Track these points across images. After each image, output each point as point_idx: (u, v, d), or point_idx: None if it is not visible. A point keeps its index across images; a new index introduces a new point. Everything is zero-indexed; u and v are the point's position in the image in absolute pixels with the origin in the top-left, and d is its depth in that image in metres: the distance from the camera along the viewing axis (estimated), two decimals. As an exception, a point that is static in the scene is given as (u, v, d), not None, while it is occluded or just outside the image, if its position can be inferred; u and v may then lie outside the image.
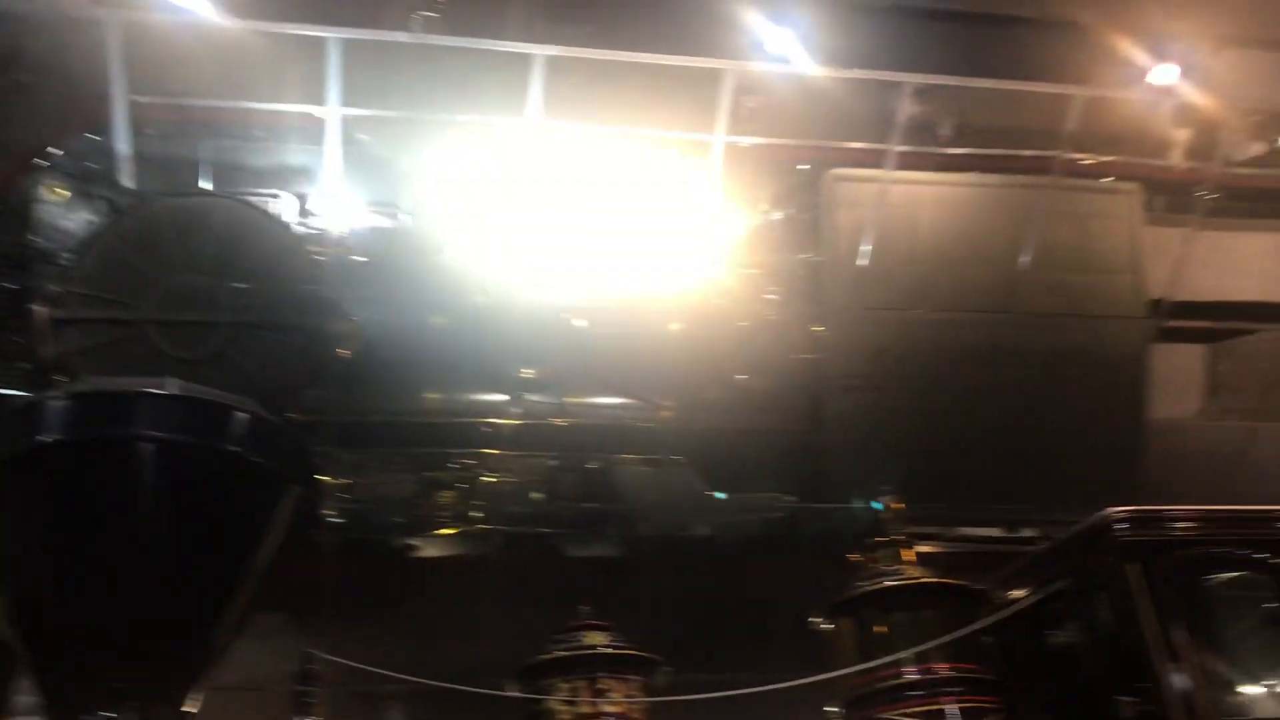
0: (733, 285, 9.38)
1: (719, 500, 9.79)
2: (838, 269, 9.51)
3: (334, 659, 6.36)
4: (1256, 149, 10.35)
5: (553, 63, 8.02)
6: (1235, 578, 6.70)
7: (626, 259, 8.87)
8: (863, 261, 9.32)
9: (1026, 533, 10.28)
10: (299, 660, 6.25)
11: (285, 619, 8.62)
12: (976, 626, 6.43)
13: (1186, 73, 9.24)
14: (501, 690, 6.44)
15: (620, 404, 9.36)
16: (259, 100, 8.21)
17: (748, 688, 6.65)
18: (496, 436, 9.13)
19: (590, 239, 8.73)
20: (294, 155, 8.46)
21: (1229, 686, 6.86)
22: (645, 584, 9.67)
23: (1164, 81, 9.20)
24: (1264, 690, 8.07)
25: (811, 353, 9.52)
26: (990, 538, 11.06)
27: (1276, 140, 10.61)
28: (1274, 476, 9.82)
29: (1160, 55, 9.04)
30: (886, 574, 6.72)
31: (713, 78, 8.33)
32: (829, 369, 9.49)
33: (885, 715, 6.25)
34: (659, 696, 6.24)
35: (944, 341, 9.48)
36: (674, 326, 9.11)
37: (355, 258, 8.54)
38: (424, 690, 6.95)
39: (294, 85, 8.10)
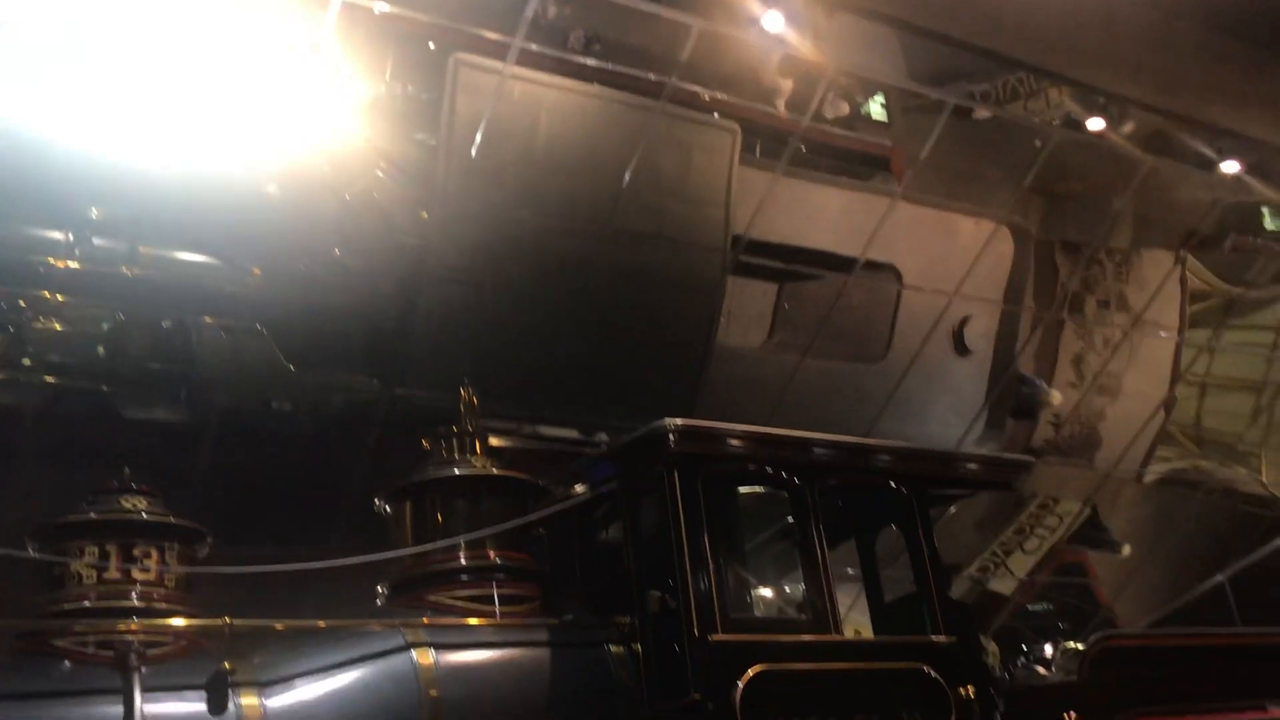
0: (341, 155, 9.02)
1: (299, 375, 9.51)
2: (452, 157, 9.38)
3: None
4: (843, 109, 11.39)
5: None
6: (764, 493, 7.46)
7: (227, 107, 8.24)
8: (477, 153, 9.28)
9: (601, 437, 10.87)
10: None
11: None
12: (529, 519, 6.71)
13: (798, 25, 9.91)
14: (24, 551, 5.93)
15: (202, 262, 8.77)
16: None
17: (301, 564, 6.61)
18: (53, 278, 8.27)
19: (186, 78, 8.01)
20: None
21: (745, 588, 7.69)
22: (211, 454, 9.26)
23: (774, 29, 9.82)
24: (772, 593, 9.10)
25: (414, 238, 9.40)
26: (565, 438, 11.59)
27: (861, 105, 11.73)
28: (811, 406, 11.01)
29: (774, 3, 9.63)
30: (454, 463, 6.83)
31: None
32: (429, 257, 9.42)
33: (433, 598, 6.40)
34: (198, 567, 6.00)
35: (545, 246, 9.68)
36: (271, 189, 8.63)
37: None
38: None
39: None
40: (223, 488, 8.93)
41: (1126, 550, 14.83)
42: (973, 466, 7.53)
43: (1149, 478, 15.43)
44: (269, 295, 9.02)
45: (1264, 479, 16.45)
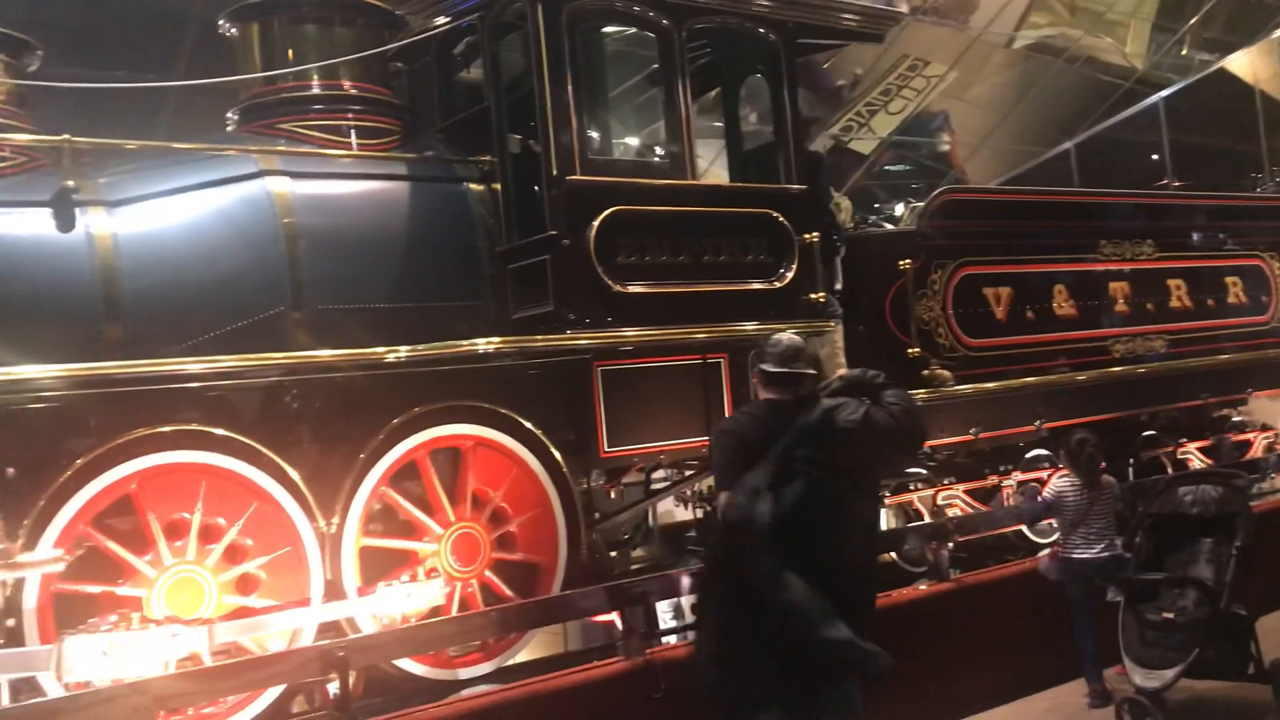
0: None
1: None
2: None
3: None
4: None
5: None
6: (631, 34, 7.26)
7: None
8: None
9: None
10: None
11: None
12: (385, 49, 6.45)
13: None
14: None
15: None
16: None
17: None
18: None
19: None
20: None
21: (608, 133, 7.67)
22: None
23: None
24: (639, 142, 9.13)
25: None
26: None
27: None
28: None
29: None
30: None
31: None
32: None
33: (285, 126, 6.23)
34: (30, 81, 5.66)
35: None
36: None
37: None
38: None
39: None
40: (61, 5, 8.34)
41: None
42: (844, 16, 7.39)
43: (1018, 43, 15.51)
44: None
45: (1127, 49, 16.73)
